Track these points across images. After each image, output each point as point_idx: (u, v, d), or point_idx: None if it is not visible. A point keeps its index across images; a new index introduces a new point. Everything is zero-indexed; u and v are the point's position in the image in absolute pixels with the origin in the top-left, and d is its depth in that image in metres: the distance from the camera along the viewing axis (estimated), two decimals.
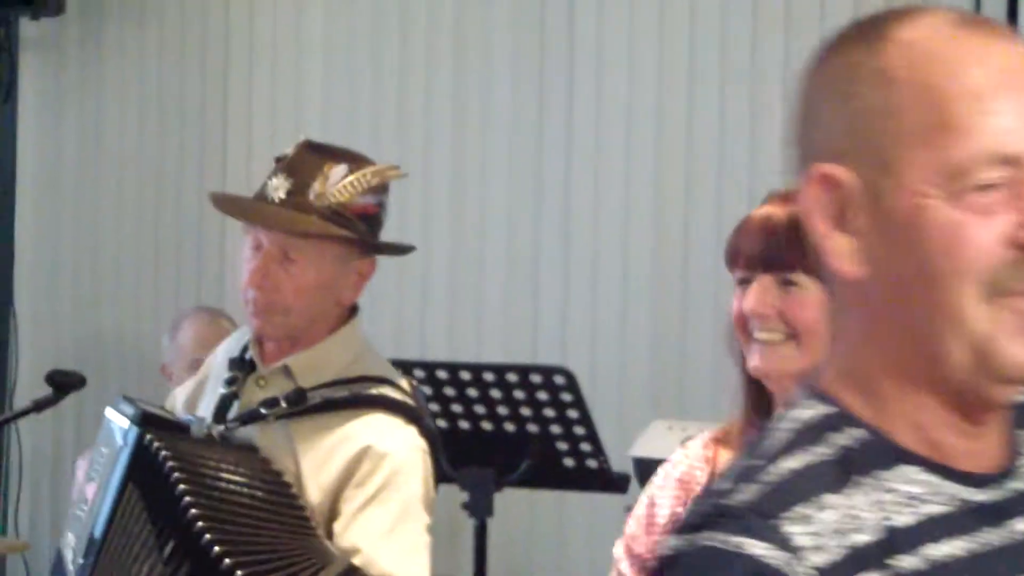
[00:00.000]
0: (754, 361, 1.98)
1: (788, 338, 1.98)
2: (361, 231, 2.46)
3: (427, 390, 3.74)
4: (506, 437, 3.74)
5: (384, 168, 2.52)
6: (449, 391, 3.76)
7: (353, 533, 2.36)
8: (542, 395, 3.69)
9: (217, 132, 4.84)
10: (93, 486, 2.46)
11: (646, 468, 3.21)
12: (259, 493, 2.37)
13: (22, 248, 5.03)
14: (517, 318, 4.54)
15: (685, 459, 2.15)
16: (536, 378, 3.70)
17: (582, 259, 4.48)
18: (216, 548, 2.25)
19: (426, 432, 2.46)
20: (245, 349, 2.54)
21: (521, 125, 4.49)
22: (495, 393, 3.72)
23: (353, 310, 2.55)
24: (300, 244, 2.42)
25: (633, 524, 2.14)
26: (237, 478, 2.37)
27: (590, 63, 4.42)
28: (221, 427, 2.43)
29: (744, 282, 2.00)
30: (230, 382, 2.50)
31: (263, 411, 2.43)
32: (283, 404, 2.42)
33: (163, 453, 2.33)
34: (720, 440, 2.13)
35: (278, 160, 2.51)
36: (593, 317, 4.46)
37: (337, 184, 2.44)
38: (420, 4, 4.62)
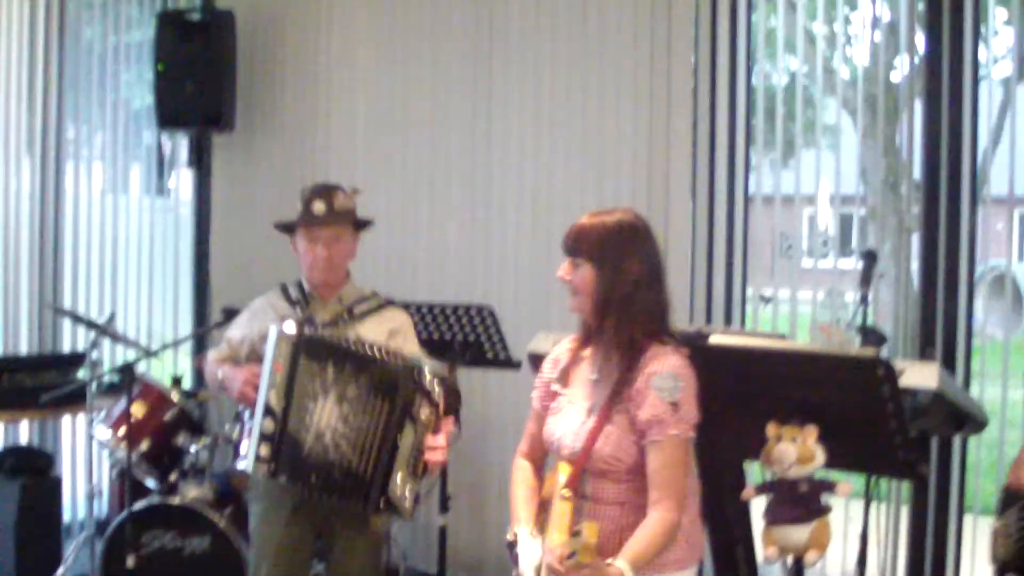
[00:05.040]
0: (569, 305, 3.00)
1: (574, 294, 2.99)
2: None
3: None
4: (453, 341, 5.20)
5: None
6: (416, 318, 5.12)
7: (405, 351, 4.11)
8: (476, 320, 5.15)
9: None
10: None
11: (536, 358, 3.81)
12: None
13: None
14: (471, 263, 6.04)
15: (559, 348, 3.17)
16: (472, 312, 5.18)
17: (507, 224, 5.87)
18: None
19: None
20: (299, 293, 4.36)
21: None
22: (452, 319, 5.20)
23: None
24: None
25: (536, 381, 3.21)
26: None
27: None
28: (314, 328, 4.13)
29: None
30: (301, 309, 4.27)
31: (344, 318, 4.22)
32: (346, 316, 4.24)
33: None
34: (577, 339, 3.10)
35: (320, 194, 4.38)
36: (515, 264, 5.90)
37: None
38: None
